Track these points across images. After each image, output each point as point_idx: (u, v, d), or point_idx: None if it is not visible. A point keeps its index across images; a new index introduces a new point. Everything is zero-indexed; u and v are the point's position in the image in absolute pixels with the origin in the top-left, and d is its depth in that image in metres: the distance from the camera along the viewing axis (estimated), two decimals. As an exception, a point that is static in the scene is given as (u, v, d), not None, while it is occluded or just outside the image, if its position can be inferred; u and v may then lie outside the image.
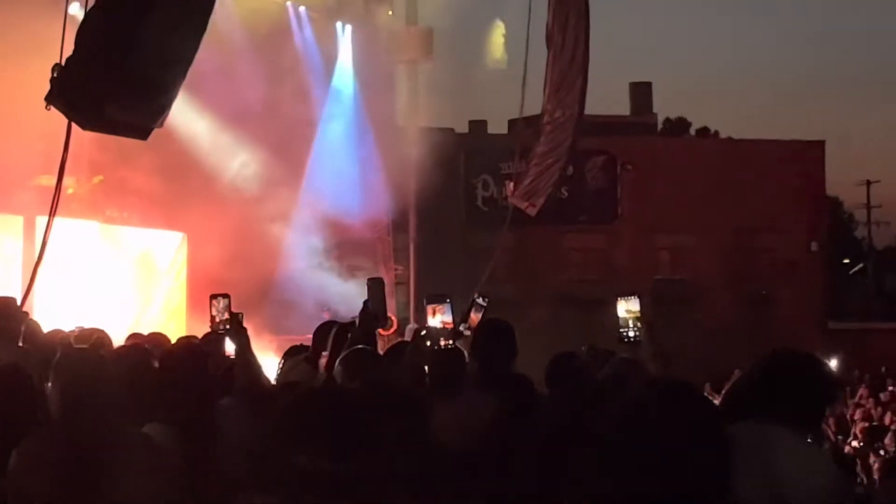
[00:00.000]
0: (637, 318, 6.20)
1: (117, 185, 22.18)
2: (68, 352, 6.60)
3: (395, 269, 29.78)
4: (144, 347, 8.05)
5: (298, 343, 9.59)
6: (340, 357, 6.98)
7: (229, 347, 7.47)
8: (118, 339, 9.90)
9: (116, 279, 21.07)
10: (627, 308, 6.23)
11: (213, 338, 7.77)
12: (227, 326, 7.43)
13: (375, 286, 7.94)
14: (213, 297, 7.54)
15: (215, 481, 5.82)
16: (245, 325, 7.60)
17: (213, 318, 7.46)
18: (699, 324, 35.86)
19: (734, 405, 5.68)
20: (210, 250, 24.05)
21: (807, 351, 5.85)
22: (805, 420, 5.44)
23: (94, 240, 21.03)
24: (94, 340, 8.47)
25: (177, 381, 6.21)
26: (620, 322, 6.17)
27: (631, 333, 6.18)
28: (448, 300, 6.72)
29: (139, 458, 5.50)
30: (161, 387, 6.25)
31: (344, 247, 26.43)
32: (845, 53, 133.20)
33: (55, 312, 18.29)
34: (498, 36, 26.76)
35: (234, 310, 7.55)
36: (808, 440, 5.45)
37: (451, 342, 6.38)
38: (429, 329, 6.45)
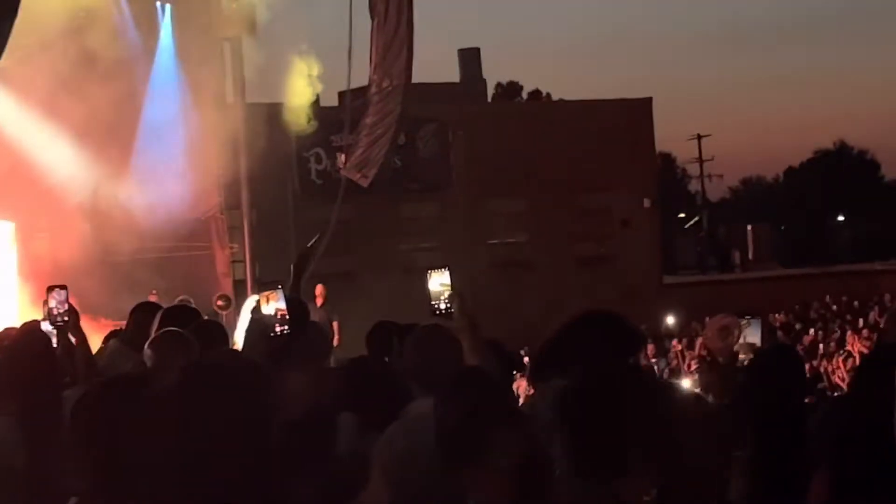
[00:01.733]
0: (448, 291, 6.26)
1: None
2: None
3: (231, 248, 29.56)
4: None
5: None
6: (150, 341, 6.96)
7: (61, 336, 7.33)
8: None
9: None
10: (440, 281, 6.29)
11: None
12: (66, 319, 7.30)
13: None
14: (51, 288, 7.39)
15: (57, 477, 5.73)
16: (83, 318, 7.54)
17: (50, 310, 7.31)
18: (534, 287, 36.25)
19: (542, 365, 5.82)
20: (40, 240, 23.67)
21: (607, 309, 6.02)
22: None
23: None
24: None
25: (24, 367, 6.07)
26: (432, 295, 6.23)
27: (442, 306, 6.26)
28: (280, 286, 6.68)
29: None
30: (8, 375, 6.11)
31: (177, 228, 26.13)
32: (672, 8, 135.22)
33: None
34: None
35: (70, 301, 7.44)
36: None
37: (285, 328, 6.36)
38: (263, 317, 6.40)
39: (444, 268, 6.37)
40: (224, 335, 7.76)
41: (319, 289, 24.65)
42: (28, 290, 21.72)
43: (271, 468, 3.90)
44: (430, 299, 6.32)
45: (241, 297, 27.60)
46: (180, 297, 24.34)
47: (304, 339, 6.52)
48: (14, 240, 23.23)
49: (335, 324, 23.70)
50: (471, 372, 5.49)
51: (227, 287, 28.69)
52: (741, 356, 7.10)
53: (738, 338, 7.13)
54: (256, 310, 6.50)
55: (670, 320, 34.88)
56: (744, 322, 7.22)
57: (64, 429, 5.80)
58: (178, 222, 25.84)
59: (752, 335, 7.24)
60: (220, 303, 25.77)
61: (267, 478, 3.86)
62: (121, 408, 4.34)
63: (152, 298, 24.40)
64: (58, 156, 23.13)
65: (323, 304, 24.41)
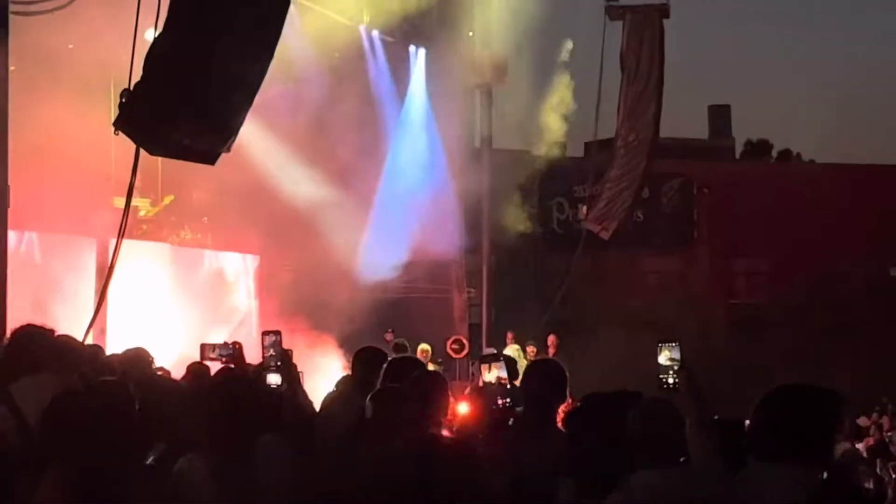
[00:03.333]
0: (677, 365, 6.18)
1: (190, 207, 22.33)
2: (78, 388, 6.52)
3: (469, 292, 29.74)
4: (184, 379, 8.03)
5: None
6: (372, 395, 6.95)
7: (274, 379, 7.45)
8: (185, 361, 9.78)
9: (188, 302, 21.13)
10: (670, 356, 6.21)
11: (260, 371, 7.75)
12: (278, 363, 7.46)
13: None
14: (265, 333, 7.61)
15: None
16: (318, 347, 7.70)
17: (263, 353, 7.52)
18: (773, 351, 35.49)
19: (753, 445, 5.67)
20: (283, 274, 24.15)
21: (809, 385, 5.85)
22: (817, 456, 5.44)
23: (165, 262, 21.13)
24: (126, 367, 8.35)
25: (222, 411, 6.15)
26: (661, 368, 6.15)
27: (670, 380, 6.18)
28: (501, 358, 6.76)
29: (161, 492, 5.46)
30: (206, 416, 6.20)
31: (417, 270, 26.42)
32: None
33: (127, 333, 18.47)
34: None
35: (285, 346, 7.60)
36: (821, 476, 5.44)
37: (507, 401, 6.39)
38: (487, 385, 6.46)
39: (675, 342, 6.29)
40: (443, 386, 7.70)
41: (552, 339, 24.62)
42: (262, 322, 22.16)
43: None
44: (658, 372, 6.26)
45: (476, 342, 27.80)
46: (390, 336, 24.65)
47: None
48: (256, 272, 23.78)
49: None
50: None
51: (463, 331, 28.86)
52: None
53: None
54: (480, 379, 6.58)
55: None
56: None
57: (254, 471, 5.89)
58: (418, 264, 26.12)
59: None
60: (454, 346, 25.92)
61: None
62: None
63: (388, 338, 24.86)
64: (305, 193, 23.59)
65: (555, 354, 24.36)
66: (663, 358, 6.27)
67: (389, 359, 8.17)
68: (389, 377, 7.42)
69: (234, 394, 6.21)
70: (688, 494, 5.63)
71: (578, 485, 6.13)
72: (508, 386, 6.52)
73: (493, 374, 6.44)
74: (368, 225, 25.11)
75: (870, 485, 19.09)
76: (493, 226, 28.43)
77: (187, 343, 19.45)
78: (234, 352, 7.96)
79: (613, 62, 24.56)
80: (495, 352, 8.83)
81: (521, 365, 22.79)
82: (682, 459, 5.87)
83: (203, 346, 8.18)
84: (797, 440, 5.39)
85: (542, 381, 7.28)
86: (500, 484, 5.91)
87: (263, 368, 7.46)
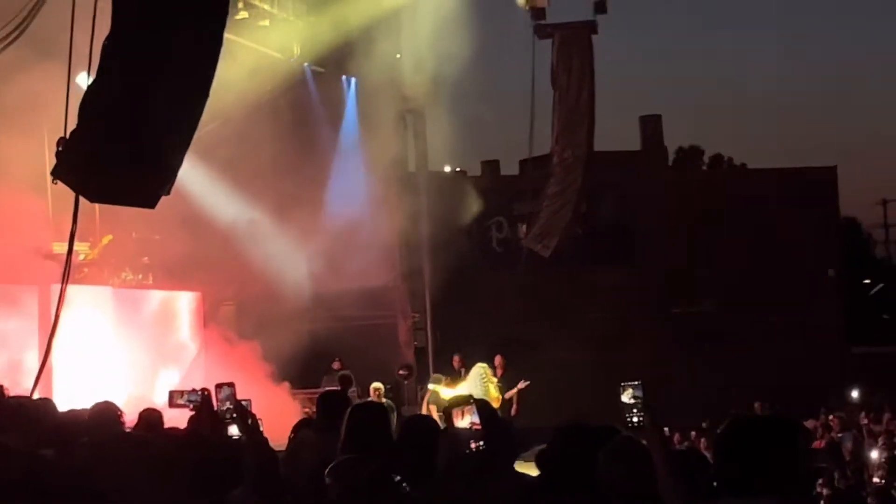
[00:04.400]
0: (641, 405, 6.23)
1: (130, 247, 22.22)
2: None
3: (413, 317, 29.76)
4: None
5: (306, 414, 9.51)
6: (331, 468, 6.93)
7: (235, 431, 7.44)
8: (137, 408, 9.71)
9: (133, 343, 21.02)
10: (633, 394, 6.26)
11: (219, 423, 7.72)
12: (234, 415, 7.45)
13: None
14: (219, 386, 7.58)
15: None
16: (270, 384, 7.67)
17: (219, 405, 7.50)
18: (718, 356, 35.76)
19: (723, 481, 5.71)
20: (226, 308, 24.11)
21: (764, 416, 5.92)
22: (783, 487, 5.49)
23: (108, 305, 21.00)
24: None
25: (192, 473, 6.11)
26: (625, 408, 6.19)
27: (635, 419, 6.23)
28: (472, 401, 6.76)
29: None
30: (177, 478, 6.15)
31: (360, 297, 26.43)
32: (857, 72, 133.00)
33: (74, 380, 18.36)
34: None
35: (237, 387, 7.58)
36: None
37: (480, 444, 6.40)
38: (458, 431, 6.47)
39: (637, 381, 6.34)
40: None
41: (499, 359, 24.63)
42: (208, 358, 22.13)
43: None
44: (622, 412, 6.30)
45: (422, 365, 27.83)
46: (337, 365, 24.65)
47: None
48: (198, 308, 23.68)
49: (516, 394, 23.62)
50: None
51: (409, 355, 28.88)
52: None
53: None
54: (450, 425, 6.56)
55: (854, 393, 34.13)
56: None
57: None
58: (361, 291, 26.13)
59: None
60: (402, 372, 25.93)
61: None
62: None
63: (335, 366, 24.88)
64: (244, 227, 23.57)
65: (503, 374, 24.38)
66: (626, 397, 6.30)
67: (352, 406, 8.09)
68: (352, 430, 7.34)
69: (204, 454, 6.19)
70: None
71: None
72: (480, 430, 6.51)
73: (465, 419, 6.44)
74: (310, 255, 25.10)
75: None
76: (434, 248, 28.46)
77: (136, 384, 19.40)
78: (202, 399, 7.92)
79: (545, 80, 24.69)
80: (467, 396, 8.73)
81: (492, 382, 22.92)
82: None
83: (172, 393, 8.13)
84: (768, 473, 5.42)
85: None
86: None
87: (221, 420, 7.44)
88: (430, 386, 22.83)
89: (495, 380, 23.01)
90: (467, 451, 6.37)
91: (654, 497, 5.75)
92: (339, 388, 20.00)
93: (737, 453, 5.56)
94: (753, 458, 5.45)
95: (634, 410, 6.19)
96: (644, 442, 5.96)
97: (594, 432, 6.65)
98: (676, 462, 6.16)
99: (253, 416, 7.53)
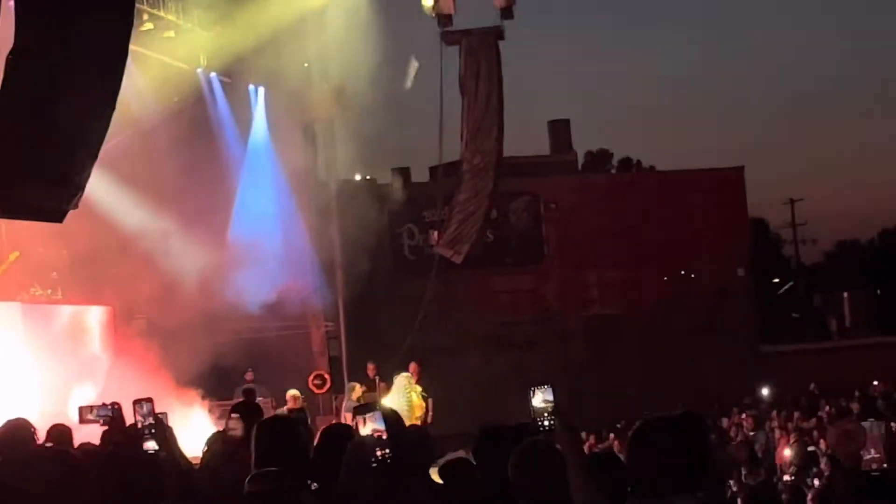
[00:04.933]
0: (552, 408, 6.22)
1: (38, 262, 21.97)
2: None
3: (326, 326, 29.68)
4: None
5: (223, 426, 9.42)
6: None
7: (151, 445, 7.39)
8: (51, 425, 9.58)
9: (45, 360, 20.77)
10: (544, 398, 6.24)
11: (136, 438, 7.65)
12: (153, 430, 7.40)
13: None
14: (137, 401, 7.52)
15: None
16: (184, 397, 7.64)
17: (136, 422, 7.46)
18: (630, 357, 35.97)
19: (636, 484, 5.75)
20: (138, 322, 23.91)
21: (680, 414, 5.95)
22: (693, 484, 5.55)
23: (17, 321, 20.75)
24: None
25: (116, 488, 6.06)
26: (535, 412, 6.17)
27: (546, 423, 6.21)
28: (376, 408, 6.71)
29: None
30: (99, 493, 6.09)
31: (272, 307, 26.29)
32: (764, 72, 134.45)
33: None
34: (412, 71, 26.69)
35: (157, 411, 7.53)
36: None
37: (386, 452, 6.35)
38: (363, 441, 6.42)
39: (548, 384, 6.32)
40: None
41: (413, 366, 24.64)
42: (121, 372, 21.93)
43: None
44: (533, 416, 6.28)
45: (337, 374, 27.76)
46: (250, 376, 24.62)
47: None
48: (109, 322, 23.47)
49: (430, 401, 23.64)
50: None
51: (323, 365, 28.80)
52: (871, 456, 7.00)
53: (863, 443, 7.03)
54: (356, 435, 6.52)
55: (765, 391, 34.54)
56: (867, 424, 7.13)
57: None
58: (273, 302, 26.00)
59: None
60: (315, 382, 25.84)
61: None
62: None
63: (248, 377, 24.75)
64: (153, 239, 23.40)
65: (419, 381, 24.40)
66: (537, 401, 6.27)
67: (257, 423, 7.99)
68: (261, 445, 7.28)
69: (124, 468, 6.14)
70: None
71: None
72: (385, 437, 6.45)
73: (368, 427, 6.39)
74: (221, 266, 24.94)
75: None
76: (346, 257, 28.40)
77: (49, 401, 19.15)
78: (113, 413, 7.85)
79: (454, 87, 24.71)
80: (370, 404, 8.68)
81: (415, 391, 22.99)
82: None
83: (81, 409, 8.04)
84: (679, 472, 5.46)
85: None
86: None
87: (139, 436, 7.39)
88: (348, 391, 22.99)
89: (418, 388, 23.12)
90: (372, 460, 6.33)
91: (566, 501, 5.76)
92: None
93: (648, 454, 5.60)
94: (664, 458, 5.50)
95: (546, 414, 6.18)
96: (558, 446, 5.95)
97: (512, 433, 6.64)
98: (590, 465, 6.17)
99: (170, 429, 7.50)
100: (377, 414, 6.43)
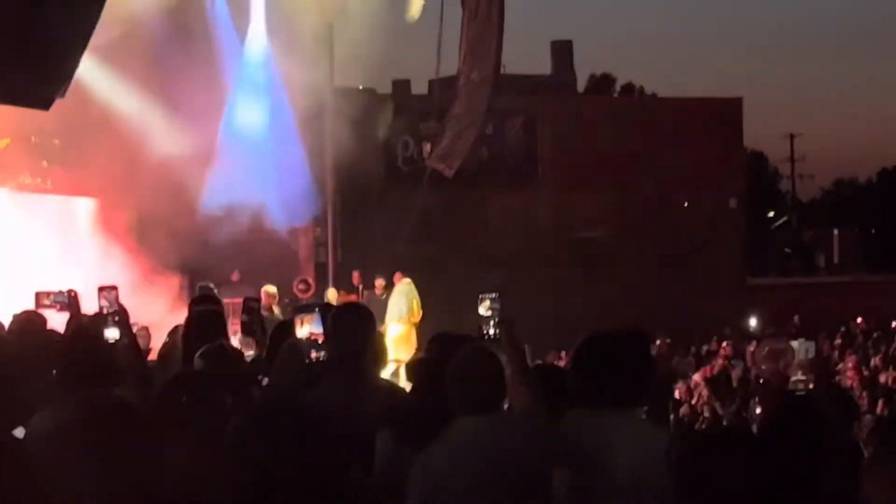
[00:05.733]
0: (497, 317, 6.28)
1: (28, 150, 21.98)
2: None
3: (314, 232, 29.72)
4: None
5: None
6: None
7: (111, 334, 7.46)
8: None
9: (30, 249, 20.81)
10: (489, 306, 6.30)
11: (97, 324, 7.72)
12: (116, 318, 7.48)
13: None
14: (101, 288, 7.59)
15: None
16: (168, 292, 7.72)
17: (101, 308, 7.52)
18: (617, 282, 36.05)
19: (569, 392, 5.85)
20: (126, 216, 23.94)
21: (625, 331, 6.02)
22: (632, 398, 5.66)
23: (4, 207, 20.80)
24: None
25: (84, 361, 6.13)
26: (482, 319, 6.23)
27: (491, 331, 6.27)
28: (318, 308, 6.69)
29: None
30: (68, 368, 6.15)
31: (261, 211, 26.30)
32: (770, 4, 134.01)
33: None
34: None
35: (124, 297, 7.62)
36: (641, 416, 5.69)
37: (321, 354, 6.38)
38: (297, 342, 6.44)
39: (494, 293, 6.37)
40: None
41: (398, 276, 24.81)
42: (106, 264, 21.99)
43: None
44: (479, 323, 6.33)
45: (322, 281, 27.84)
46: (236, 277, 24.71)
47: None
48: (97, 215, 23.49)
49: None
50: None
51: (309, 271, 28.87)
52: (798, 377, 7.03)
53: (791, 363, 7.07)
54: (291, 335, 6.54)
55: (752, 322, 34.65)
56: (796, 343, 7.17)
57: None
58: (262, 205, 26.00)
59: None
60: (300, 286, 25.92)
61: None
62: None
63: (234, 278, 24.84)
64: (146, 134, 23.38)
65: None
66: (483, 309, 6.33)
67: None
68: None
69: (83, 354, 6.21)
70: (507, 440, 5.63)
71: (395, 437, 6.15)
72: (321, 340, 6.46)
73: (304, 328, 6.42)
74: (213, 165, 24.95)
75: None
76: (338, 164, 28.35)
77: (30, 292, 19.21)
78: (69, 300, 7.93)
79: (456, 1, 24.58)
80: (312, 303, 8.75)
81: (416, 298, 23.54)
82: (504, 408, 5.95)
83: (38, 294, 8.12)
84: (616, 386, 5.55)
85: (351, 330, 6.89)
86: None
87: (100, 323, 7.46)
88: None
89: (418, 298, 23.67)
90: (307, 361, 6.37)
91: (500, 408, 5.83)
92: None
93: (588, 366, 5.70)
94: (602, 372, 5.59)
95: (491, 323, 6.24)
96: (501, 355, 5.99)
97: (457, 340, 6.67)
98: (530, 374, 6.24)
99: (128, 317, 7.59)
100: (316, 315, 6.46)
